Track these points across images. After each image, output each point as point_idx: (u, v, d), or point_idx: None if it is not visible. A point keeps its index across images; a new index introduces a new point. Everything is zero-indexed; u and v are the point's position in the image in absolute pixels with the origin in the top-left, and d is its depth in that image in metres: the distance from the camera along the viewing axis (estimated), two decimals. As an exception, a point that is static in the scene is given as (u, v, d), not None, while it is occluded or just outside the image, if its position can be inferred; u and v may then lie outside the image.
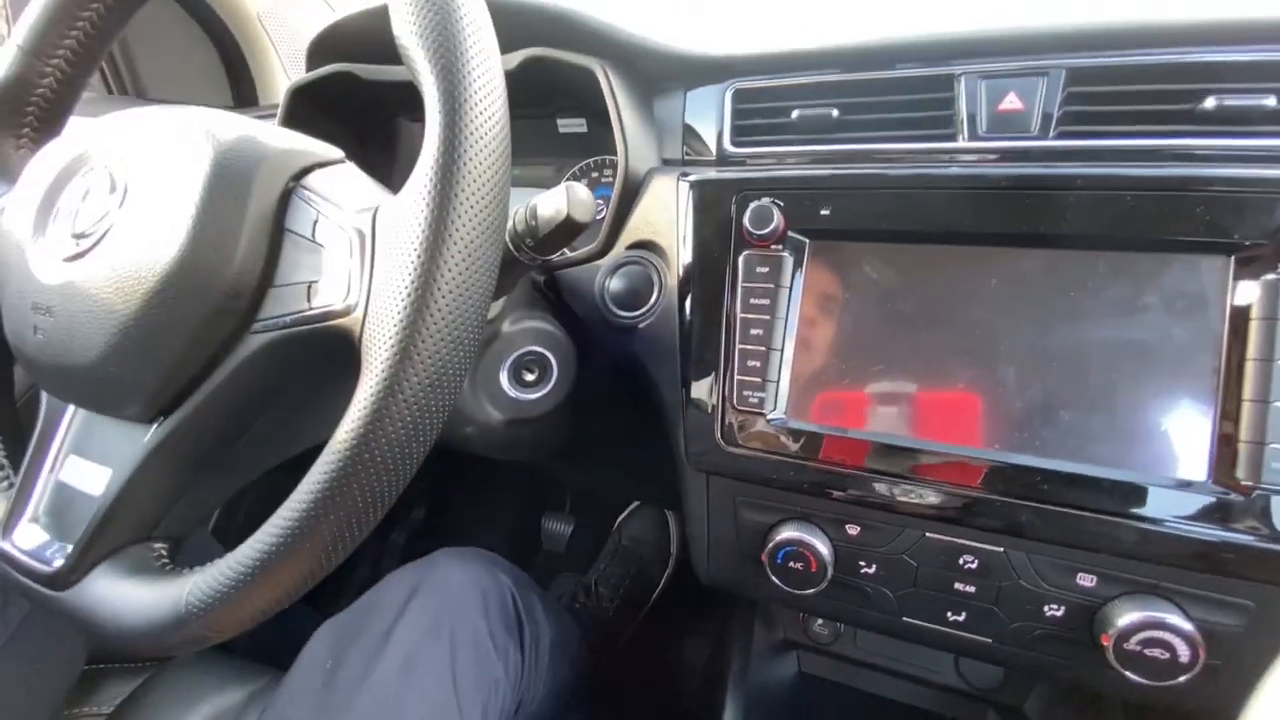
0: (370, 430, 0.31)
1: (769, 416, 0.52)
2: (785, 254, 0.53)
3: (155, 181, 0.40)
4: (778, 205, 0.53)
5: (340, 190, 0.40)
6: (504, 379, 0.59)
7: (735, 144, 0.58)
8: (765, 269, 0.53)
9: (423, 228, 0.33)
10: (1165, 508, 0.42)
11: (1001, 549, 0.47)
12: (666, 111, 0.64)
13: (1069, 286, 0.46)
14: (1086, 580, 0.45)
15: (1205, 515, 0.42)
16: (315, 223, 0.38)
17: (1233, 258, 0.42)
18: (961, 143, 0.51)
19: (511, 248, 0.47)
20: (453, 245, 0.32)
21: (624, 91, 0.63)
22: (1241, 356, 0.42)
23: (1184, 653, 0.41)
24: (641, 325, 0.61)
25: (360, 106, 0.81)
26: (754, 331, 0.53)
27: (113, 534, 0.40)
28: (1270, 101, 0.44)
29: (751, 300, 0.53)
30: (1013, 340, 0.47)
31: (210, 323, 0.38)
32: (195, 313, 0.37)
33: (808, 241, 0.53)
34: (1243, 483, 0.41)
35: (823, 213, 0.52)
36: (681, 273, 0.58)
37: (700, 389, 0.56)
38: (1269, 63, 0.45)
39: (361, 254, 0.35)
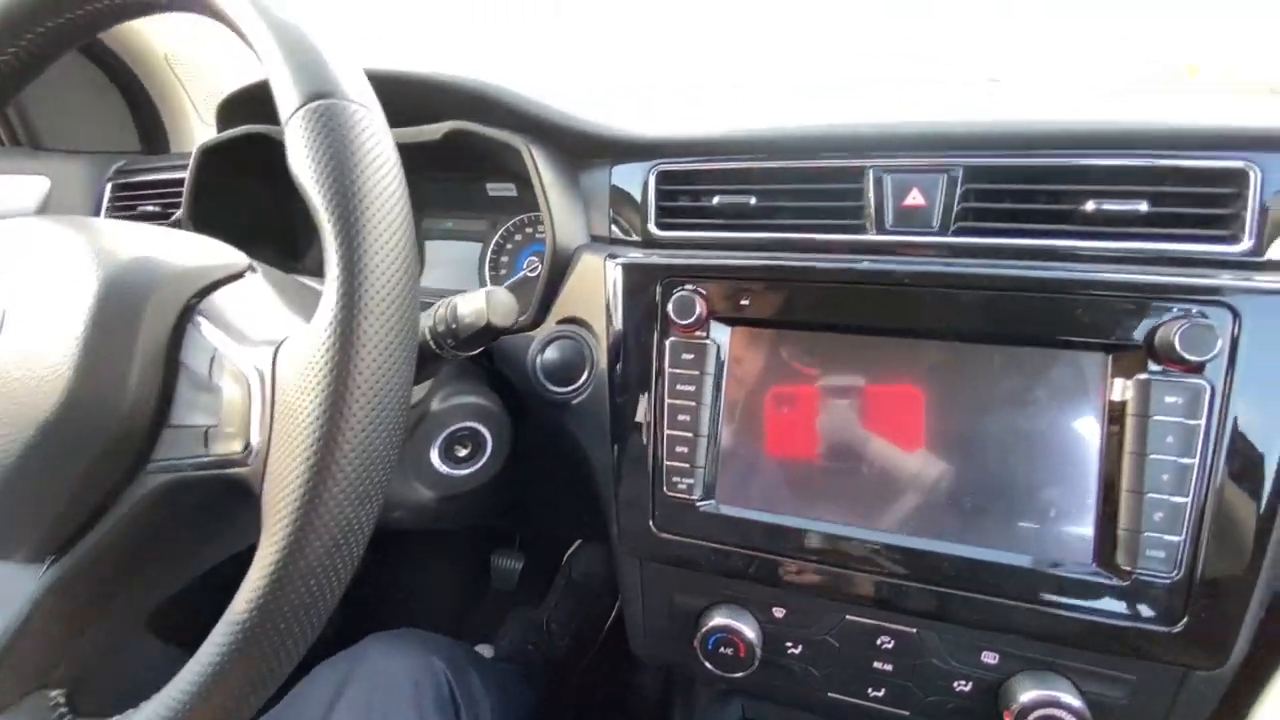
0: (270, 598, 0.30)
1: (698, 504, 0.53)
2: (709, 341, 0.54)
3: (38, 308, 0.37)
4: (700, 294, 0.54)
5: (243, 315, 0.39)
6: (435, 457, 0.58)
7: (660, 226, 0.59)
8: (690, 356, 0.54)
9: (325, 378, 0.32)
10: (1055, 591, 0.46)
11: (915, 630, 0.50)
12: (593, 184, 0.64)
13: (969, 379, 0.49)
14: (990, 658, 0.48)
15: (1090, 598, 0.45)
16: (213, 359, 0.36)
17: (1109, 356, 0.46)
18: (870, 236, 0.54)
19: (432, 344, 0.46)
20: (358, 396, 0.32)
21: (549, 167, 0.63)
22: (1120, 449, 0.45)
23: None
24: (575, 401, 0.61)
25: (276, 165, 0.79)
26: (681, 418, 0.54)
27: (4, 685, 0.38)
28: (1142, 206, 0.48)
29: (678, 386, 0.54)
30: (923, 430, 0.50)
31: (101, 464, 0.36)
32: (85, 456, 0.35)
33: (730, 330, 0.54)
34: (1123, 568, 0.45)
35: (744, 302, 0.54)
36: (611, 353, 0.58)
37: (631, 474, 0.56)
38: (1141, 169, 0.49)
39: (262, 397, 0.34)
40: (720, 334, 0.54)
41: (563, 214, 0.62)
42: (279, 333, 0.36)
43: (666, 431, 0.55)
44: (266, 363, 0.35)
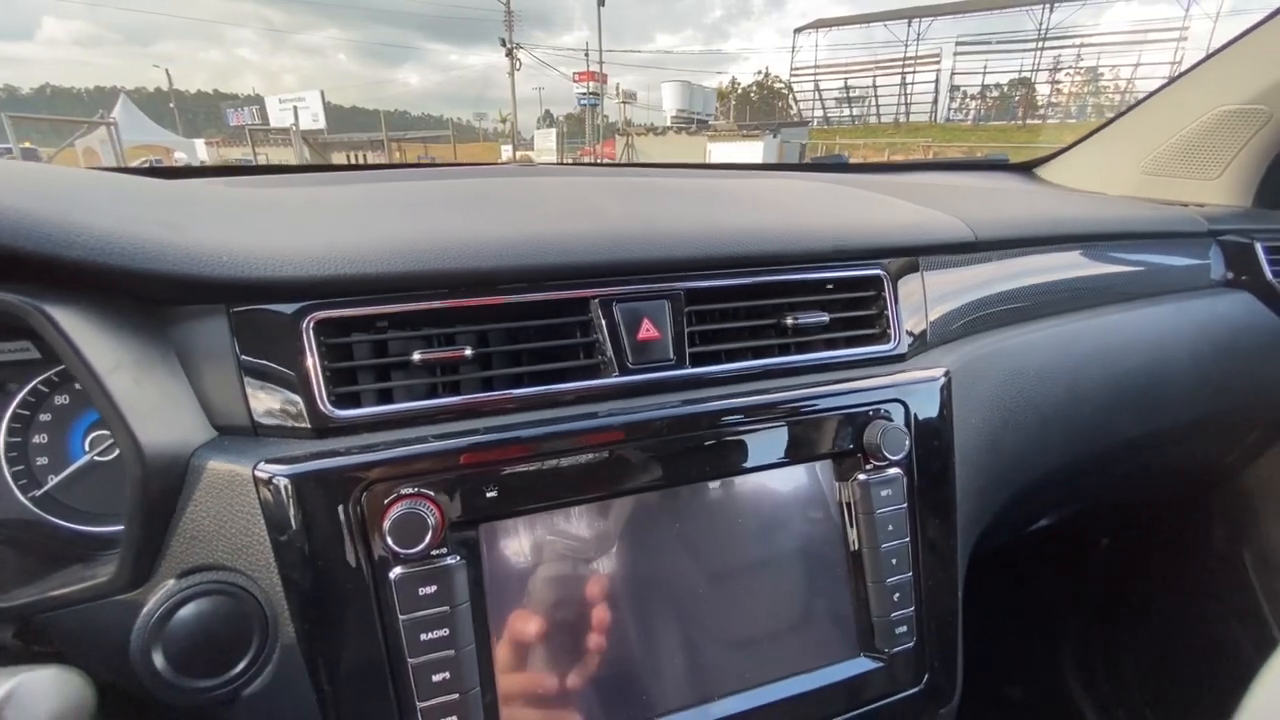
0: None
1: None
2: (453, 561, 0.40)
3: None
4: (428, 498, 0.39)
5: None
6: None
7: (336, 403, 0.41)
8: (431, 589, 0.39)
9: None
10: (842, 696, 0.49)
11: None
12: (197, 344, 0.41)
13: (726, 517, 0.48)
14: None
15: (866, 686, 0.49)
16: None
17: (830, 463, 0.50)
18: (615, 378, 0.47)
19: None
20: None
21: (105, 336, 0.37)
22: (861, 546, 0.50)
23: None
24: (247, 692, 0.39)
25: None
26: (438, 678, 0.39)
27: None
28: (825, 317, 0.53)
29: (423, 636, 0.39)
30: (700, 581, 0.46)
31: None
32: None
33: (481, 535, 0.41)
34: (880, 650, 0.50)
35: (489, 494, 0.41)
36: (294, 615, 0.38)
37: (376, 784, 0.38)
38: (814, 281, 0.54)
39: None
40: (466, 543, 0.41)
41: (148, 404, 0.38)
42: None
43: (420, 705, 0.38)
44: None
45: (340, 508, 0.38)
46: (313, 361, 0.40)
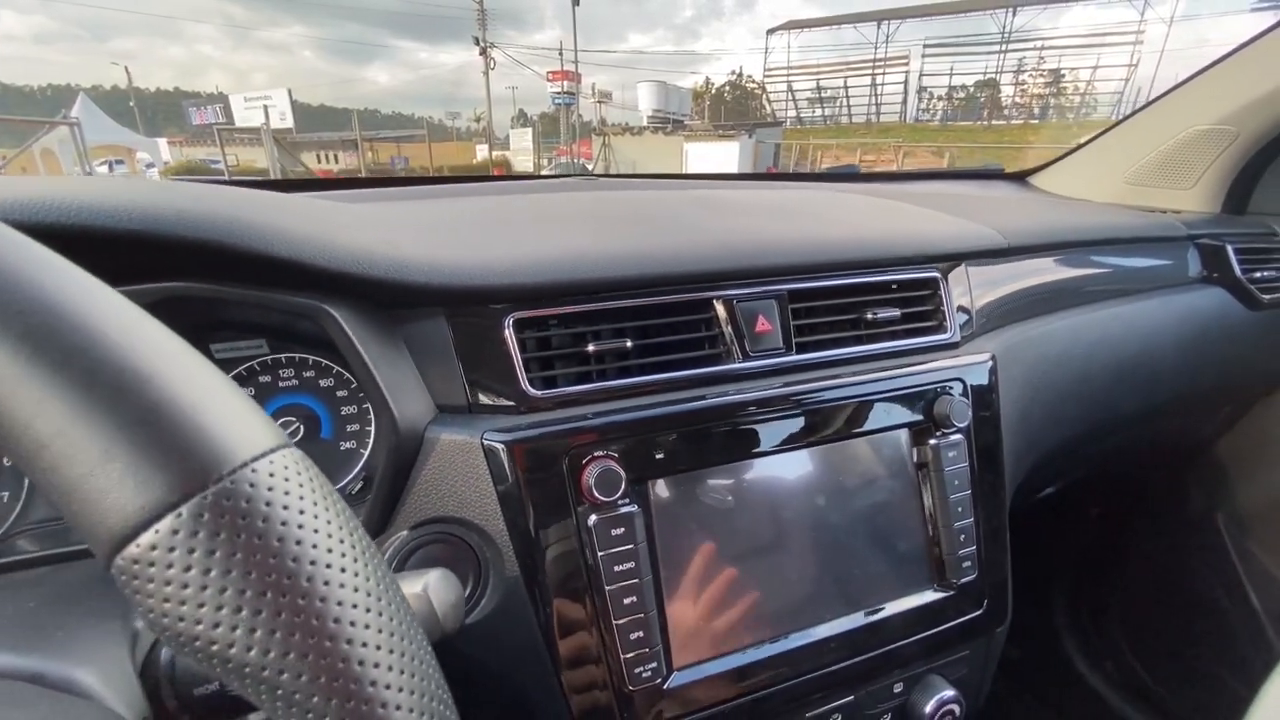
0: None
1: (663, 685, 0.50)
2: (634, 509, 0.50)
3: None
4: (614, 458, 0.49)
5: None
6: None
7: (534, 384, 0.51)
8: (620, 530, 0.49)
9: None
10: (922, 619, 0.60)
11: (852, 696, 0.58)
12: (424, 341, 0.50)
13: (830, 474, 0.58)
14: (898, 688, 0.60)
15: (939, 612, 0.61)
16: None
17: (910, 432, 0.62)
18: (737, 364, 0.57)
19: None
20: None
21: (365, 331, 0.46)
22: (933, 498, 0.61)
23: (958, 709, 0.60)
24: (469, 621, 0.48)
25: None
26: (628, 601, 0.49)
27: None
28: (897, 312, 0.64)
29: (615, 568, 0.49)
30: (811, 529, 0.57)
31: None
32: None
33: (650, 487, 0.51)
34: (951, 581, 0.61)
35: (657, 456, 0.51)
36: (521, 554, 0.48)
37: (584, 682, 0.49)
38: (884, 283, 0.65)
39: None
40: (641, 495, 0.51)
41: (396, 387, 0.47)
42: None
43: (616, 622, 0.49)
44: None
45: (551, 466, 0.48)
46: (514, 352, 0.50)
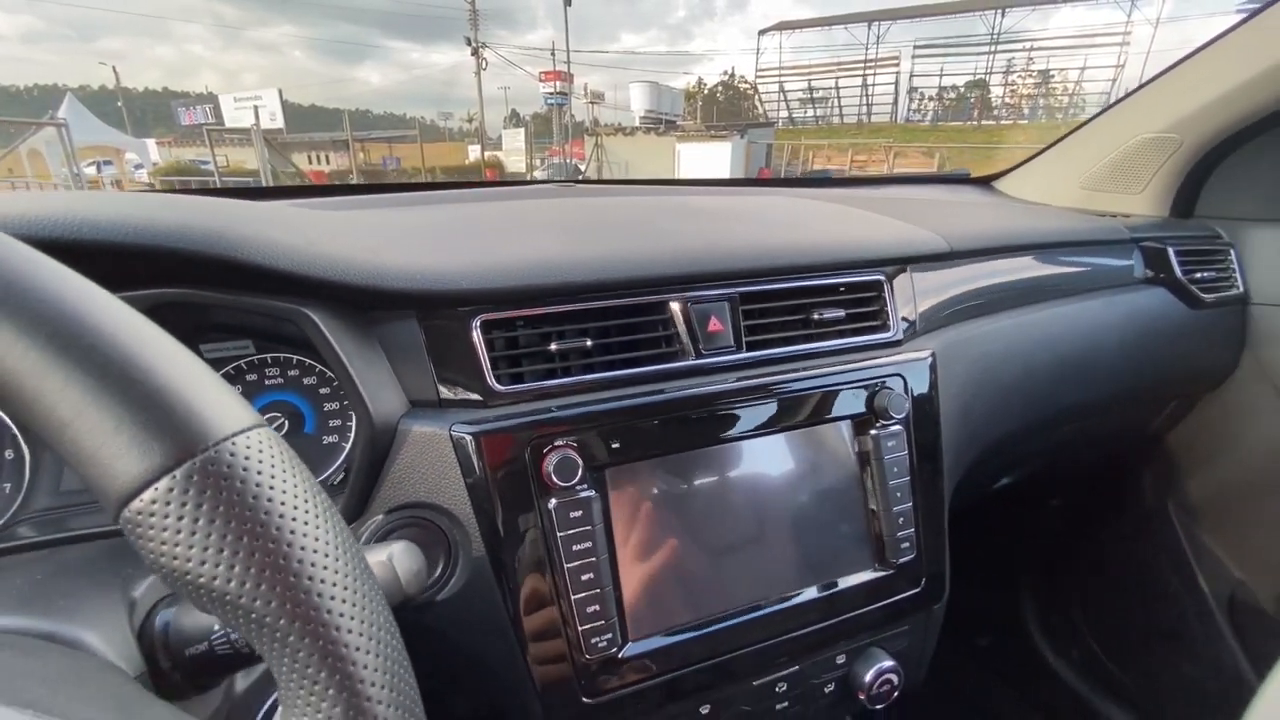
0: None
1: (621, 655, 0.55)
2: (591, 494, 0.55)
3: None
4: (573, 448, 0.54)
5: None
6: None
7: (501, 381, 0.55)
8: (579, 513, 0.54)
9: None
10: (866, 594, 0.65)
11: (798, 666, 0.64)
12: (397, 341, 0.55)
13: (776, 463, 0.63)
14: (840, 659, 0.65)
15: (881, 589, 0.66)
16: None
17: (849, 423, 0.67)
18: (690, 361, 0.62)
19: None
20: None
21: (342, 332, 0.51)
22: (874, 484, 0.66)
23: (895, 678, 0.66)
24: (440, 598, 0.53)
25: None
26: (585, 578, 0.54)
27: None
28: (842, 313, 0.69)
29: (574, 548, 0.54)
30: (761, 511, 0.62)
31: None
32: None
33: (607, 474, 0.56)
34: (890, 561, 0.66)
35: (614, 446, 0.56)
36: (487, 535, 0.53)
37: (545, 652, 0.53)
38: (831, 285, 0.71)
39: None
40: (598, 481, 0.56)
41: (372, 384, 0.52)
42: None
43: (574, 597, 0.53)
44: None
45: (514, 455, 0.53)
46: (481, 351, 0.55)
